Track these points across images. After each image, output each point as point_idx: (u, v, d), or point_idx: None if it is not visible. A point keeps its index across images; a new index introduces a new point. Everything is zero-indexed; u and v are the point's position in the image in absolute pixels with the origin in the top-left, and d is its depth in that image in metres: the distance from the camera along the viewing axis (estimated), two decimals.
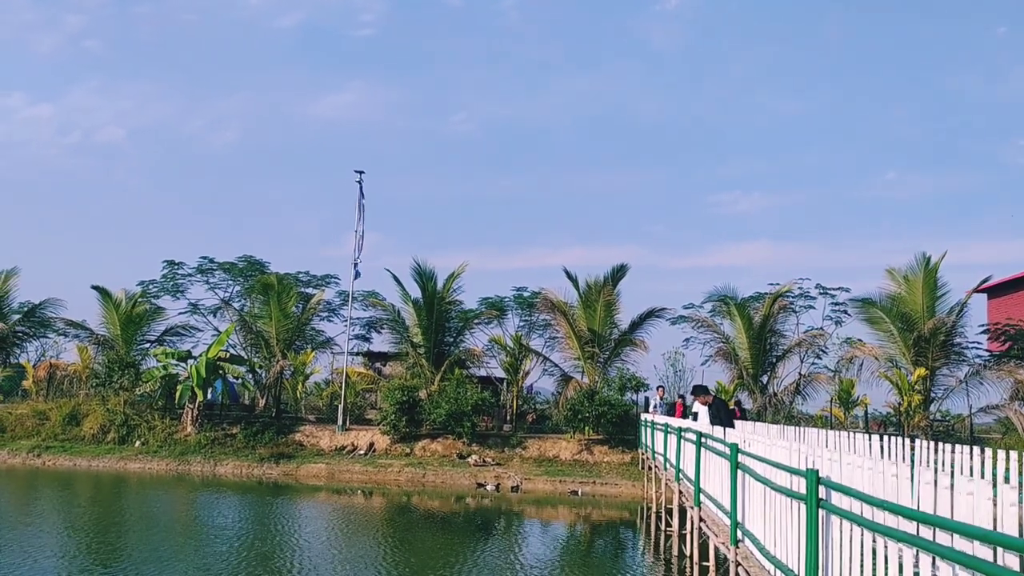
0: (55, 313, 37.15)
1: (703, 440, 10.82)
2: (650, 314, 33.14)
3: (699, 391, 15.54)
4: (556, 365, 33.73)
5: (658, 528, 17.92)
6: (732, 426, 12.48)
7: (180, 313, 40.47)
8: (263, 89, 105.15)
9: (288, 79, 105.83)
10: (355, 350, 40.34)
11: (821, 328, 39.66)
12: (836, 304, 41.77)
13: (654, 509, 18.93)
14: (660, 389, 28.68)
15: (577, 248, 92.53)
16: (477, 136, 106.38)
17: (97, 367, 34.04)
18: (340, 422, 31.75)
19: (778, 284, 34.77)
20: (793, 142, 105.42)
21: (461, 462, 29.25)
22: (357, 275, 33.98)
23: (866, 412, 31.51)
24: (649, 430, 22.28)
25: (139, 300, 36.42)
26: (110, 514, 20.20)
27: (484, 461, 29.21)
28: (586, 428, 30.08)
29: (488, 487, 26.95)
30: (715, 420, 13.69)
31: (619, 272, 33.05)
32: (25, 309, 38.12)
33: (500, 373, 35.77)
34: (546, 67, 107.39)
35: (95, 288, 35.31)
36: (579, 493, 26.42)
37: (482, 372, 35.86)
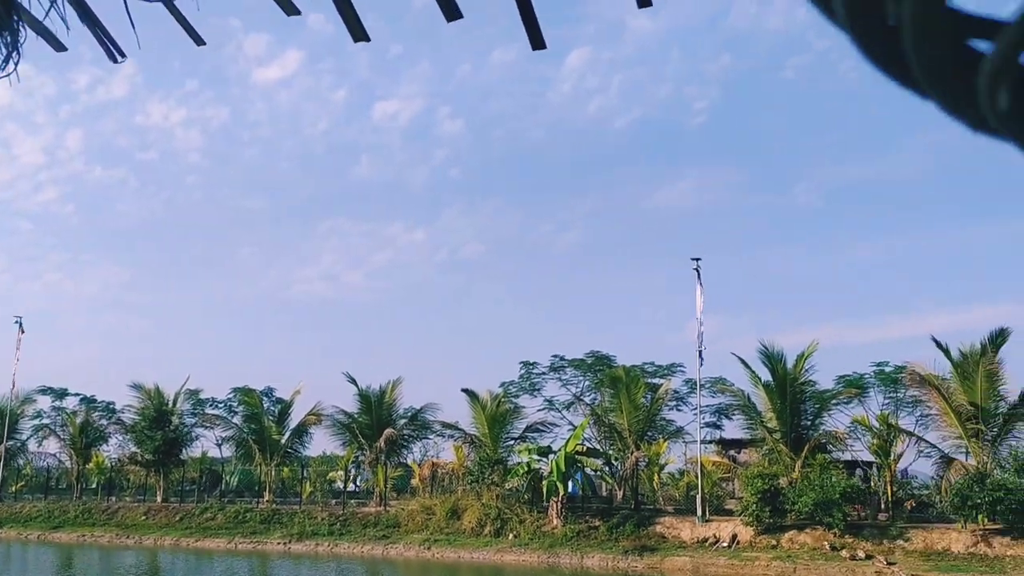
0: (433, 416, 41.64)
1: None
2: None
3: None
4: (933, 445, 30.47)
5: None
6: None
7: (538, 410, 42.83)
8: (603, 189, 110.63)
9: (626, 176, 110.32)
10: (707, 438, 39.71)
11: None
12: None
13: None
14: None
15: (939, 314, 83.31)
16: (819, 205, 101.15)
17: (470, 464, 37.29)
18: (699, 513, 31.23)
19: None
20: None
21: (834, 555, 27.16)
22: (702, 363, 33.83)
23: None
24: None
25: (502, 400, 39.44)
26: None
27: (863, 555, 26.86)
28: (979, 516, 26.53)
29: None
30: None
31: (999, 337, 29.28)
32: (409, 414, 43.01)
33: (867, 456, 33.08)
34: (889, 124, 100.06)
35: (464, 391, 38.99)
36: None
37: (846, 456, 33.36)
